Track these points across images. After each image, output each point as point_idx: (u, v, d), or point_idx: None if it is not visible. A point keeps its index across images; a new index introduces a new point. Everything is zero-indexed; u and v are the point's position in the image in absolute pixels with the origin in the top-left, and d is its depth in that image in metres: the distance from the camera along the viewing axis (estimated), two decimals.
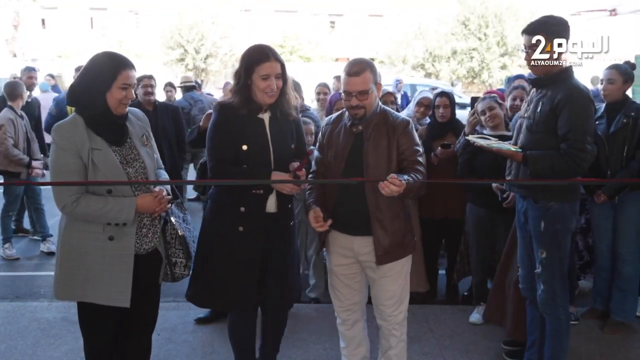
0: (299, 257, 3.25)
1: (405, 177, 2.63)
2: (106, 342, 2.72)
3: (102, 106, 2.51)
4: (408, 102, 10.93)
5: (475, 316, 4.20)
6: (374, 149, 2.82)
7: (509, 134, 3.79)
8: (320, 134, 3.09)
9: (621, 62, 4.06)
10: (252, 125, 2.81)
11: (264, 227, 2.83)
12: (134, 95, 2.62)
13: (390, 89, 9.68)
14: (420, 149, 2.89)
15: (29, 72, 7.20)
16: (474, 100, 4.31)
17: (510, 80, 5.72)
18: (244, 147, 2.77)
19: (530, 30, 2.99)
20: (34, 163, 5.73)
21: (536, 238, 3.10)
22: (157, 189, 2.66)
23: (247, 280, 2.84)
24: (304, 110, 5.02)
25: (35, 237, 6.32)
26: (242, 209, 2.79)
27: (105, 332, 2.70)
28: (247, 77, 2.76)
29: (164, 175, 2.93)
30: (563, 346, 3.18)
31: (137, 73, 2.70)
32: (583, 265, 4.69)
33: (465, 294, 4.77)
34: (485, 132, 4.02)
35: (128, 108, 2.66)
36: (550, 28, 2.94)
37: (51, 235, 6.04)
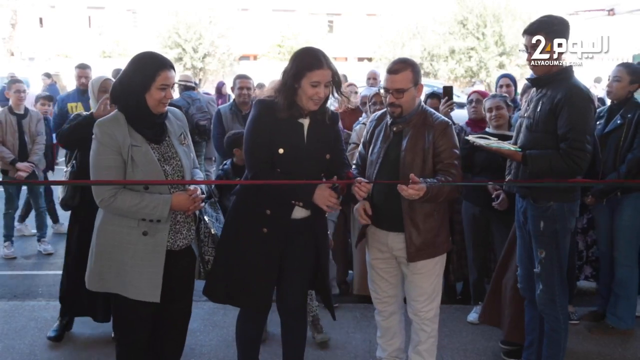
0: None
1: (429, 180, 2.71)
2: (140, 340, 2.74)
3: (142, 106, 2.56)
4: None
5: (473, 315, 4.20)
6: (411, 148, 2.89)
7: (510, 134, 3.77)
8: (365, 130, 3.18)
9: (620, 61, 4.05)
10: (290, 129, 2.73)
11: (289, 231, 2.81)
12: (172, 95, 2.66)
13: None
14: (458, 152, 2.94)
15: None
16: (446, 89, 4.28)
17: (498, 80, 5.67)
18: (281, 151, 2.70)
19: (531, 30, 2.98)
20: (19, 165, 5.58)
21: (535, 238, 3.10)
22: (191, 187, 2.70)
23: (265, 281, 2.82)
24: None
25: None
26: (268, 211, 2.76)
27: (141, 331, 2.73)
28: (295, 80, 2.66)
29: (199, 175, 2.96)
30: (561, 346, 3.18)
31: None
32: (581, 266, 4.69)
33: (459, 297, 4.76)
34: (488, 130, 4.02)
35: (168, 107, 2.72)
36: (550, 28, 2.94)
37: (44, 236, 6.05)
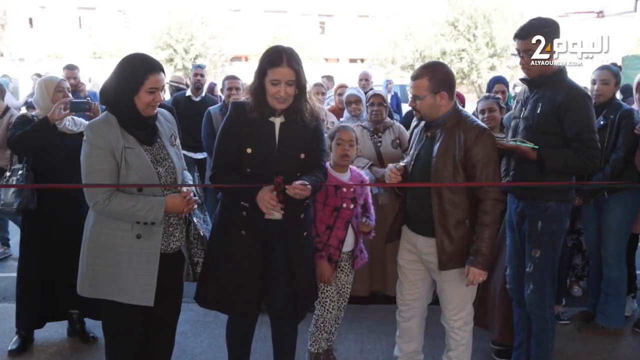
0: (314, 268, 3.16)
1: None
2: (132, 342, 2.73)
3: (131, 108, 2.54)
4: (398, 103, 10.96)
5: None
6: (443, 153, 2.85)
7: (502, 136, 3.78)
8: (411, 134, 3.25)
9: (610, 63, 4.07)
10: (261, 128, 2.73)
11: (265, 233, 2.79)
12: (162, 98, 2.64)
13: (381, 89, 9.68)
14: (495, 161, 2.87)
15: (198, 70, 6.33)
16: None
17: (490, 83, 5.63)
18: (249, 150, 2.70)
19: (524, 33, 2.98)
20: None
21: (531, 237, 3.10)
22: (185, 189, 2.70)
23: (250, 285, 2.81)
24: None
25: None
26: (244, 213, 2.76)
27: (131, 332, 2.71)
28: (260, 78, 2.69)
29: (188, 176, 2.95)
30: (549, 346, 3.20)
31: None
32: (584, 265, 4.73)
33: None
34: None
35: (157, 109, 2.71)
36: (546, 29, 2.95)
37: (9, 240, 5.92)
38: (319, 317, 3.35)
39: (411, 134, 3.22)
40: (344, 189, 3.17)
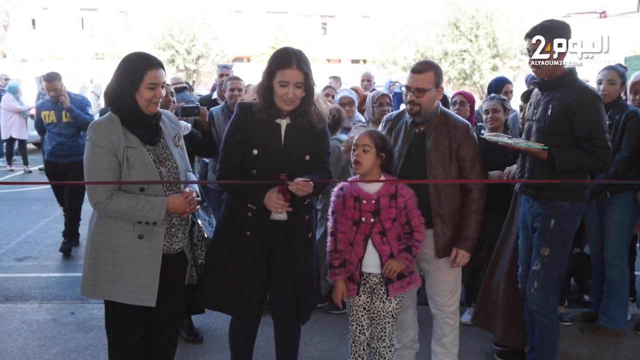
0: (319, 270, 3.12)
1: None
2: (134, 343, 2.73)
3: (134, 106, 2.56)
4: (398, 104, 10.95)
5: (467, 317, 4.20)
6: (436, 148, 2.99)
7: (508, 136, 3.75)
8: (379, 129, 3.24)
9: (611, 64, 4.06)
10: (267, 129, 2.73)
11: (270, 233, 2.79)
12: (163, 94, 2.64)
13: (382, 90, 9.66)
14: (479, 156, 3.07)
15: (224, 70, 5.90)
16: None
17: (493, 83, 5.58)
18: (255, 152, 2.71)
19: (532, 33, 3.01)
20: None
21: (542, 235, 3.09)
22: (187, 190, 2.70)
23: (254, 286, 2.81)
24: None
25: None
26: (249, 214, 2.76)
27: (133, 333, 2.71)
28: (269, 80, 2.69)
29: (193, 177, 2.95)
30: (556, 345, 3.19)
31: None
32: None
33: None
34: (483, 132, 4.02)
35: (161, 110, 2.71)
36: (551, 31, 2.96)
37: None
38: (351, 336, 3.09)
39: (390, 130, 3.18)
40: (364, 201, 2.91)
